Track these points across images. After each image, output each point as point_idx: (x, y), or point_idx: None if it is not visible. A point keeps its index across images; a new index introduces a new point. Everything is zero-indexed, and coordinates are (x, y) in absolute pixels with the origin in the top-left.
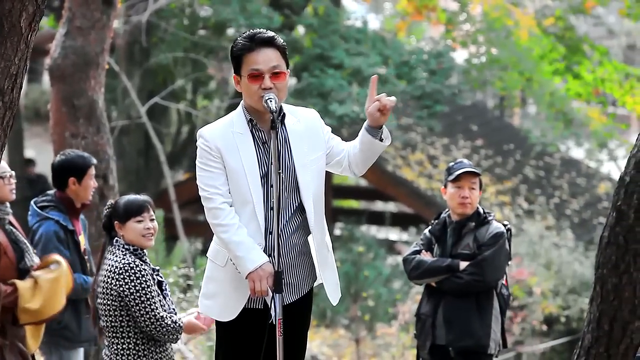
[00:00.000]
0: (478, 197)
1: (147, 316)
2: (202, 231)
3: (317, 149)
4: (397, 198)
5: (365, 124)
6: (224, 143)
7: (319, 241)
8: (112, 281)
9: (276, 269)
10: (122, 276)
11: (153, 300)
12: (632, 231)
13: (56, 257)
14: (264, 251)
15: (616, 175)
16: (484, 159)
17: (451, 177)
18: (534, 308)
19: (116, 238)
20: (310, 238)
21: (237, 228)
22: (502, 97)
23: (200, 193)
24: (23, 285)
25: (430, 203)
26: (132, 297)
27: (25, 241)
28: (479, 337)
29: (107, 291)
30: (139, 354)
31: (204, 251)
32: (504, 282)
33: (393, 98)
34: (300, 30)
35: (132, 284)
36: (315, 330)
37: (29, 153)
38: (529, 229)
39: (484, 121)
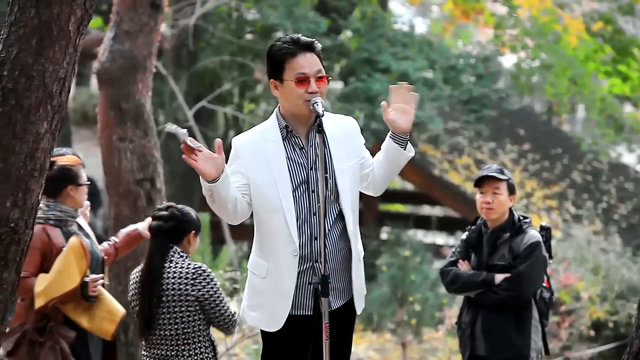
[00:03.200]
0: (506, 202)
1: (225, 315)
2: (248, 235)
3: (353, 156)
4: (443, 202)
5: (390, 132)
6: (253, 150)
7: (355, 249)
8: (188, 287)
9: (322, 272)
10: (197, 280)
11: (225, 300)
12: None
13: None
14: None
15: None
16: (531, 163)
17: (475, 183)
18: (582, 313)
19: (174, 247)
20: (351, 245)
21: None
22: (551, 104)
23: None
24: (42, 274)
25: (476, 207)
26: (212, 299)
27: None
28: (518, 348)
29: (182, 297)
30: (209, 355)
31: (250, 255)
32: (544, 284)
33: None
34: (347, 34)
35: (209, 286)
36: (362, 334)
37: None
38: (577, 234)
39: (531, 125)
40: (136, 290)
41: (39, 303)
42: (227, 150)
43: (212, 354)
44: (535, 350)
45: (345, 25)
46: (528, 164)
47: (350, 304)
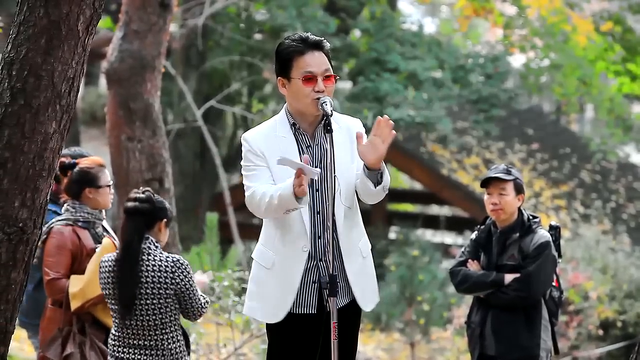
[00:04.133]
0: (514, 202)
1: (198, 304)
2: (257, 234)
3: (353, 158)
4: (452, 202)
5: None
6: (267, 147)
7: (349, 247)
8: (168, 280)
9: (330, 272)
10: (176, 274)
11: (198, 290)
12: None
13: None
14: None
15: None
16: (540, 162)
17: (481, 184)
18: (590, 313)
19: (149, 237)
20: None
21: (269, 188)
22: (559, 103)
23: (246, 193)
24: (74, 276)
25: (485, 207)
26: (189, 291)
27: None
28: (528, 348)
29: (161, 290)
30: (181, 347)
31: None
32: (554, 283)
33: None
34: (356, 34)
35: (187, 278)
36: (370, 334)
37: None
38: (585, 234)
39: (540, 125)
40: (111, 275)
41: (75, 305)
42: (237, 149)
43: (183, 341)
44: (545, 349)
45: (354, 25)
46: (537, 164)
47: (354, 303)
